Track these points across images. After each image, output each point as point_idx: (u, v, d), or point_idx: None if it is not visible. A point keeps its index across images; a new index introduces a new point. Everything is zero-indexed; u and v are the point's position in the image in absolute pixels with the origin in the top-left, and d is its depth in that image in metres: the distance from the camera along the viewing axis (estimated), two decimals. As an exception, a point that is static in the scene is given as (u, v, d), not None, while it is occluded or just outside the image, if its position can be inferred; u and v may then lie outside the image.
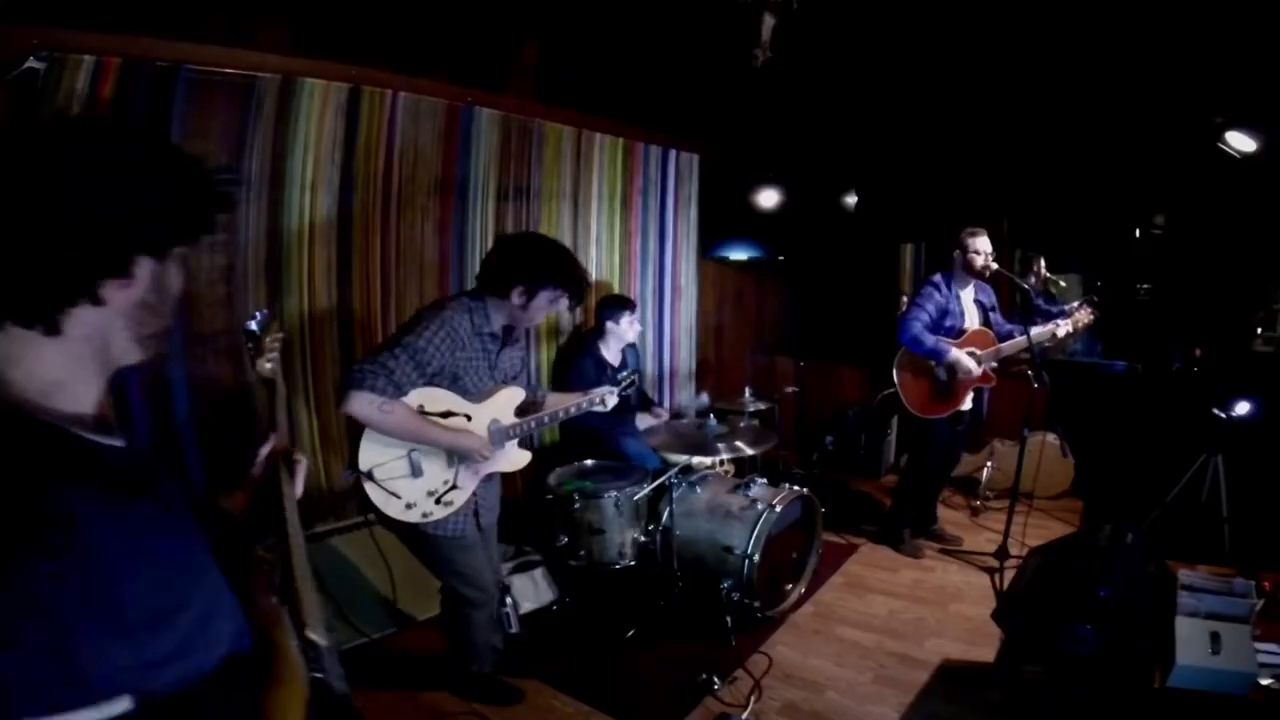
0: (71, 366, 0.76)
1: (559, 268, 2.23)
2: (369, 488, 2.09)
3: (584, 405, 2.58)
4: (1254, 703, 1.73)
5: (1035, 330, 3.40)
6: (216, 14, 2.68)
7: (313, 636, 1.01)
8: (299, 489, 1.31)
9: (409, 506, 2.16)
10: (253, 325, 1.43)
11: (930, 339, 3.45)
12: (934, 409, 3.57)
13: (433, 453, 2.19)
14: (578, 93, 3.97)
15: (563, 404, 2.54)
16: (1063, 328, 3.46)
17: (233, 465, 1.33)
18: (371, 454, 2.09)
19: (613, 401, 2.62)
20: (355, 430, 2.12)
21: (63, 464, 0.71)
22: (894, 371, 3.58)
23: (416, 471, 2.16)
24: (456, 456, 2.23)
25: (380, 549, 2.91)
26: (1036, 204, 4.85)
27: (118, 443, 0.80)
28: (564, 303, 2.29)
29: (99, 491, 0.72)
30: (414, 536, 2.27)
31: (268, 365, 1.43)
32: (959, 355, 3.44)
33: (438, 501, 2.21)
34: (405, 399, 2.08)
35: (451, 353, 2.15)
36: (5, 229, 0.69)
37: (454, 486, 2.24)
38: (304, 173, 2.88)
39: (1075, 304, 3.60)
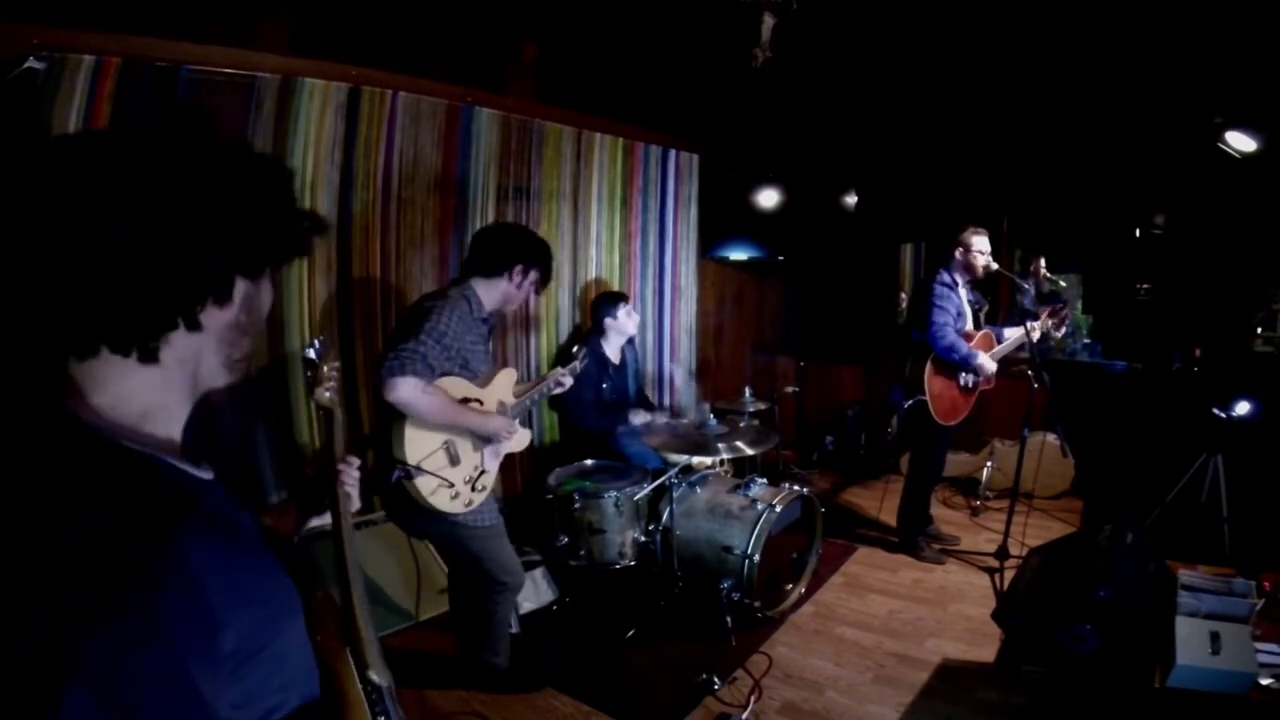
0: (161, 393, 0.69)
1: (544, 253, 2.43)
2: (420, 482, 2.09)
3: (544, 390, 2.66)
4: (1254, 703, 1.73)
5: (1014, 331, 3.44)
6: (216, 14, 2.68)
7: (374, 677, 0.92)
8: (355, 502, 1.24)
9: (454, 497, 2.18)
10: (311, 354, 1.40)
11: (964, 345, 3.37)
12: (954, 416, 3.53)
13: (464, 440, 2.23)
14: (578, 93, 3.96)
15: (525, 391, 2.60)
16: (1036, 330, 3.46)
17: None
18: (416, 447, 2.10)
19: (569, 381, 2.71)
20: (384, 429, 2.12)
21: (168, 502, 0.62)
22: (925, 381, 3.41)
23: (455, 460, 2.20)
24: (481, 441, 2.28)
25: (384, 546, 2.91)
26: (1036, 204, 4.85)
27: (207, 474, 0.73)
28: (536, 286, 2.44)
29: (210, 534, 0.64)
30: (454, 534, 2.27)
31: (326, 394, 1.39)
32: (984, 359, 3.42)
33: (473, 489, 2.24)
34: None
35: (462, 335, 2.19)
36: (109, 252, 0.62)
37: (483, 471, 2.29)
38: (304, 173, 2.88)
39: (1047, 309, 3.62)
